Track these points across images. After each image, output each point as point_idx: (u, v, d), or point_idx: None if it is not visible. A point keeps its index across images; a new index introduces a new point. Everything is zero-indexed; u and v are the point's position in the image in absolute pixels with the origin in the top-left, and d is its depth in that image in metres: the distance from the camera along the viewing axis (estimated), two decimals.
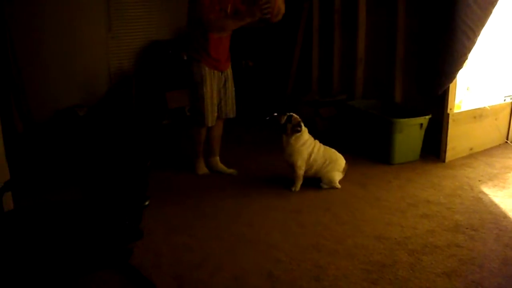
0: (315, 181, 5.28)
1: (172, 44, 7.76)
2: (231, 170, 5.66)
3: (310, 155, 5.17)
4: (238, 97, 5.63)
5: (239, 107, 5.63)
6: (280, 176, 5.44)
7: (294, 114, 5.17)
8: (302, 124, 5.16)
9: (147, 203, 3.17)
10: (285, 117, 5.11)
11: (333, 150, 5.32)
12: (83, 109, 7.26)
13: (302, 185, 5.23)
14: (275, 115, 5.16)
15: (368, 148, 6.10)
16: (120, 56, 7.87)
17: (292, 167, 5.21)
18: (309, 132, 5.30)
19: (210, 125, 5.34)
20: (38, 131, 6.77)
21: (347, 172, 5.42)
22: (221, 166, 5.68)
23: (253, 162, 5.93)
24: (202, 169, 5.63)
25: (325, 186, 5.24)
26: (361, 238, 4.21)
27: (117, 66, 7.85)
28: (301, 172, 5.18)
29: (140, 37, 7.98)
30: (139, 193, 3.23)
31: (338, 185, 5.24)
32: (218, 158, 5.71)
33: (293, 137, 5.12)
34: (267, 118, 5.20)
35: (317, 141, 5.28)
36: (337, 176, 5.24)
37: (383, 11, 6.48)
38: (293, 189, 5.20)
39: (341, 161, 5.27)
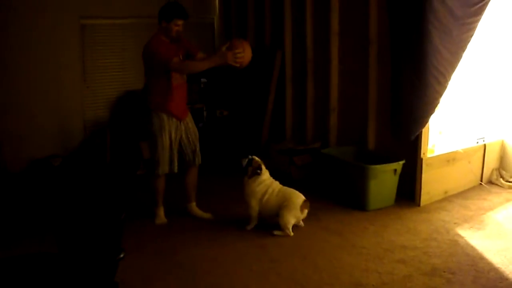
0: (292, 229, 5.26)
1: (143, 92, 7.80)
2: (207, 215, 5.73)
3: (263, 195, 5.30)
4: (214, 146, 5.71)
5: (215, 155, 5.70)
6: (257, 224, 5.40)
7: (255, 158, 5.39)
8: (263, 167, 5.36)
9: (122, 255, 3.14)
10: (246, 160, 5.35)
11: (291, 189, 5.37)
12: (57, 159, 7.23)
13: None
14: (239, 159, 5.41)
15: (344, 195, 6.09)
16: (95, 106, 7.90)
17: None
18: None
19: (170, 172, 5.49)
20: (12, 181, 6.71)
21: (322, 219, 5.44)
22: (198, 211, 5.76)
23: (228, 210, 5.90)
24: (161, 218, 5.67)
25: (277, 233, 5.22)
26: (339, 285, 4.19)
27: (92, 116, 7.87)
28: (253, 212, 5.35)
29: (114, 87, 8.04)
30: (114, 245, 3.20)
31: (291, 233, 5.21)
32: (195, 203, 5.79)
33: (252, 179, 5.33)
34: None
35: (276, 183, 5.42)
36: (292, 218, 5.20)
37: (355, 59, 6.57)
38: (247, 227, 5.37)
39: (296, 199, 5.24)
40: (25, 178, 6.91)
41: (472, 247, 4.84)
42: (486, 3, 5.40)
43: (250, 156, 5.39)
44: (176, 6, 5.34)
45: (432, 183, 5.93)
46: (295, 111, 7.68)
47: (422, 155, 5.78)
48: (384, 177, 5.76)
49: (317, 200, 6.10)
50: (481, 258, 4.61)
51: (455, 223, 5.41)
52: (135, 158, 7.32)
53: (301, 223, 5.36)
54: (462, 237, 5.07)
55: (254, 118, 7.89)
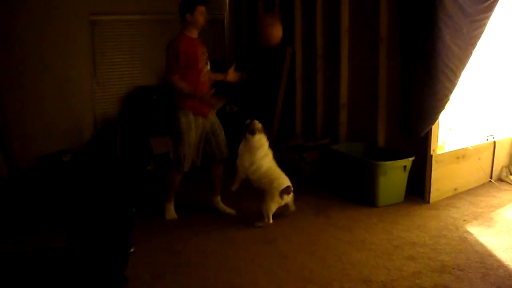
0: (301, 225, 5.30)
1: (157, 90, 7.82)
2: (230, 210, 5.79)
3: (251, 164, 5.43)
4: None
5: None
6: (264, 222, 5.40)
7: (255, 121, 5.52)
8: (258, 132, 5.47)
9: (132, 250, 3.16)
10: (249, 121, 5.52)
11: (278, 173, 5.49)
12: (68, 155, 7.26)
13: (287, 229, 5.24)
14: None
15: (353, 192, 6.10)
16: (105, 101, 7.93)
17: None
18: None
19: (186, 170, 5.50)
20: (23, 177, 6.74)
21: (332, 215, 5.46)
22: (222, 206, 5.84)
23: (238, 206, 5.90)
24: (171, 213, 5.70)
25: (259, 224, 5.35)
26: (348, 282, 4.20)
27: (102, 111, 7.90)
28: (240, 174, 5.50)
29: (125, 83, 8.06)
30: (124, 240, 3.21)
31: (270, 220, 5.33)
32: (219, 197, 5.86)
33: (246, 138, 5.48)
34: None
35: (268, 158, 5.51)
36: (273, 205, 5.32)
37: (365, 55, 6.56)
38: (232, 187, 5.54)
39: (276, 185, 5.36)
40: (36, 174, 6.95)
41: (481, 244, 4.84)
42: (496, 0, 5.39)
43: (252, 120, 5.54)
44: None
45: (441, 180, 5.93)
46: (305, 107, 7.69)
47: (431, 152, 5.77)
48: (394, 174, 5.76)
49: (327, 196, 6.11)
50: (490, 255, 4.61)
51: (464, 220, 5.41)
52: (145, 153, 7.35)
53: (293, 207, 5.49)
54: (471, 234, 5.06)
55: (264, 114, 7.88)
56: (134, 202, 3.58)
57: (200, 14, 5.27)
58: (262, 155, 5.47)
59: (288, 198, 5.41)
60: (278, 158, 5.64)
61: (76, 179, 6.77)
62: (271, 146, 5.67)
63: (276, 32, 5.29)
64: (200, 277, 4.37)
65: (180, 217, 5.66)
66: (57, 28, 7.30)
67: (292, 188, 5.41)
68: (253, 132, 5.45)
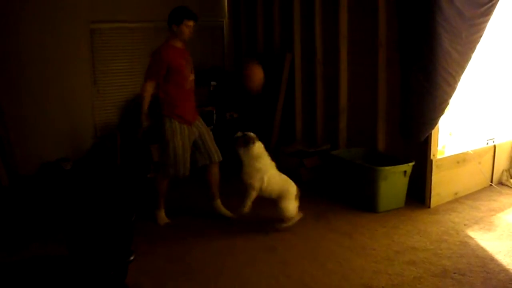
0: (301, 231, 5.31)
1: (156, 97, 7.81)
2: (231, 214, 5.77)
3: (262, 178, 5.28)
4: (224, 148, 5.75)
5: (225, 157, 5.73)
6: (264, 226, 5.42)
7: (250, 133, 5.36)
8: (256, 141, 5.32)
9: (132, 257, 3.16)
10: (241, 134, 5.36)
11: (286, 177, 5.43)
12: (68, 162, 7.27)
13: (288, 235, 5.23)
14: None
15: (353, 197, 6.09)
16: (105, 109, 7.94)
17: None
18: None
19: (182, 176, 5.53)
20: (23, 184, 6.75)
21: (332, 221, 5.46)
22: (223, 209, 5.83)
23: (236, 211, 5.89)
24: (164, 219, 5.72)
25: (283, 226, 5.32)
26: (349, 287, 4.19)
27: (102, 119, 7.91)
28: (252, 193, 5.29)
29: (124, 90, 8.06)
30: (124, 248, 3.22)
31: (297, 216, 5.34)
32: (219, 201, 5.86)
33: (243, 150, 5.30)
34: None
35: (273, 164, 5.41)
36: (293, 207, 5.29)
37: (365, 60, 6.57)
38: (241, 209, 5.32)
39: (292, 189, 5.34)
40: (36, 181, 6.95)
41: (482, 248, 4.84)
42: (495, 4, 5.40)
43: (245, 133, 5.39)
44: (185, 8, 5.39)
45: (442, 185, 5.92)
46: (305, 113, 7.69)
47: (432, 157, 5.77)
48: (394, 179, 5.76)
49: (327, 202, 6.11)
50: (491, 259, 4.60)
51: (465, 225, 5.40)
52: (145, 161, 7.35)
53: (300, 213, 5.40)
54: (472, 239, 5.06)
55: (264, 120, 7.90)
56: (135, 209, 3.58)
57: (186, 28, 5.33)
58: (269, 161, 5.38)
59: (298, 202, 5.40)
60: (279, 164, 5.62)
61: (76, 187, 6.77)
62: (271, 152, 5.65)
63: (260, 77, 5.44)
64: (201, 284, 4.37)
65: (181, 224, 5.65)
66: (58, 36, 7.31)
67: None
68: (253, 141, 5.31)
